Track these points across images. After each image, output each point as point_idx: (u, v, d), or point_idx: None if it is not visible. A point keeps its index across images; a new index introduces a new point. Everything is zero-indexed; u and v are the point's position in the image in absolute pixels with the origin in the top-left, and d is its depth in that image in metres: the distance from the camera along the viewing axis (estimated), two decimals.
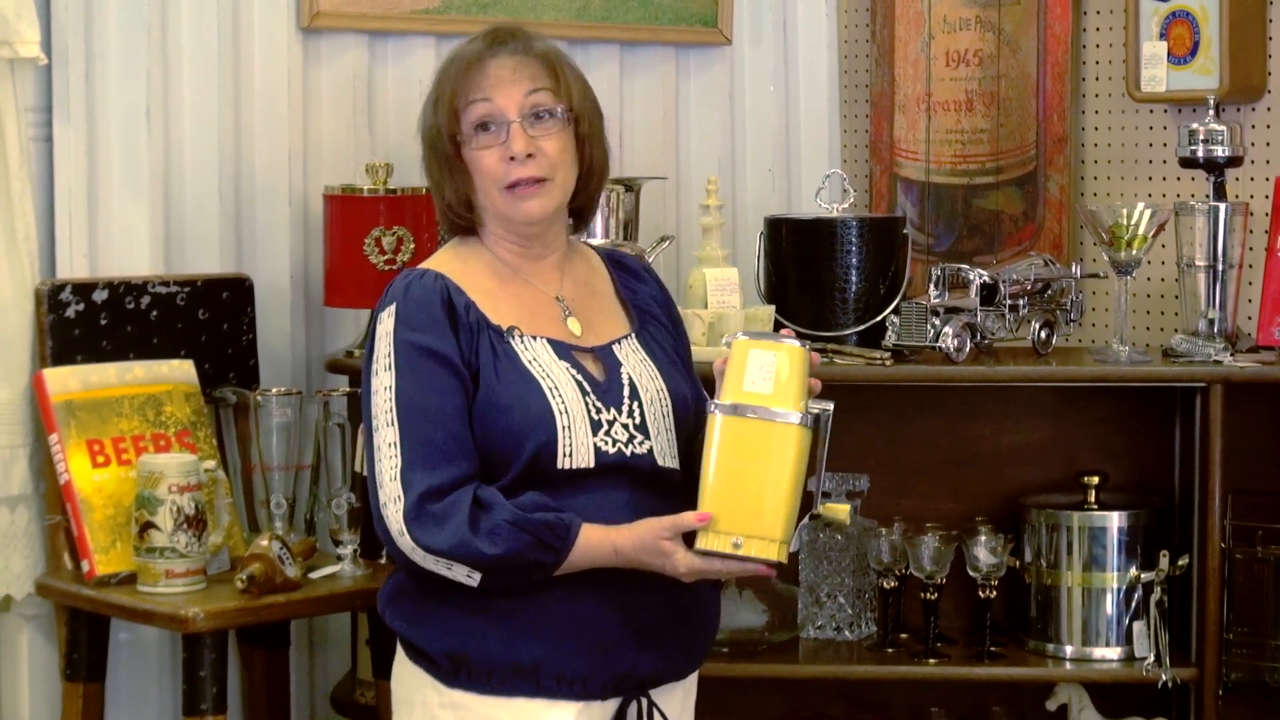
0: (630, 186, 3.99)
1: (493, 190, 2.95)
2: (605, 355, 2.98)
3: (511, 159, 2.93)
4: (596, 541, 2.83)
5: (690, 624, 2.97)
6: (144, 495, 3.52)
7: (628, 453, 2.90)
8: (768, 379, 2.83)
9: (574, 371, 2.92)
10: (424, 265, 3.00)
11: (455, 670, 2.88)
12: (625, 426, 2.91)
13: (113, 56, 3.87)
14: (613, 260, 3.15)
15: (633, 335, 3.04)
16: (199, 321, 3.91)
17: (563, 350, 2.94)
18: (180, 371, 3.82)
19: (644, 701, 2.93)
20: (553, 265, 3.04)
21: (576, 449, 2.86)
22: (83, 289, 3.77)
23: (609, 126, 4.38)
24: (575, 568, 2.83)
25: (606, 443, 2.89)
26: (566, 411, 2.87)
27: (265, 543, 3.54)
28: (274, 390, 3.85)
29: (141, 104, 3.90)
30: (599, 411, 2.90)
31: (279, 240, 4.11)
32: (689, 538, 2.81)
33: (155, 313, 3.86)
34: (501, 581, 2.82)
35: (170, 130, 3.96)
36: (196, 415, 3.80)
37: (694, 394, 3.04)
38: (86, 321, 3.76)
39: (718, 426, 2.82)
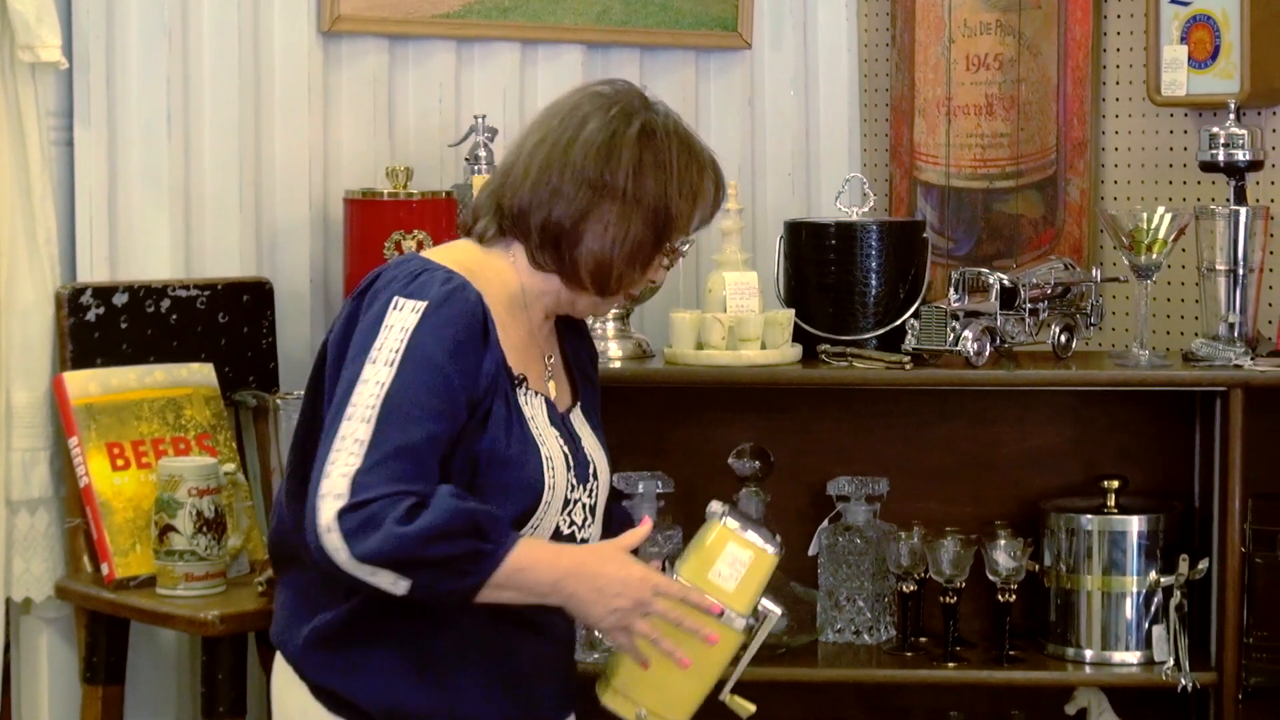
0: None
1: (620, 286, 2.85)
2: (567, 426, 2.88)
3: (652, 282, 2.92)
4: (542, 557, 2.67)
5: (573, 651, 2.98)
6: (164, 498, 3.53)
7: (578, 537, 2.82)
8: (735, 576, 2.80)
9: (562, 441, 2.81)
10: (451, 263, 2.76)
11: None
12: (584, 506, 2.84)
13: (133, 61, 3.88)
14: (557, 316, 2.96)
15: (577, 406, 2.93)
16: (219, 325, 3.92)
17: (554, 415, 2.83)
18: (200, 375, 3.83)
19: None
20: (551, 325, 2.93)
21: (544, 526, 2.77)
22: (103, 292, 3.78)
23: None
24: (509, 586, 2.63)
25: (564, 521, 2.80)
26: (553, 487, 2.76)
27: None
28: (294, 394, 3.85)
29: (162, 108, 3.91)
30: (572, 489, 2.81)
31: (299, 244, 4.11)
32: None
33: (175, 316, 3.86)
34: (430, 580, 2.58)
35: (190, 134, 3.97)
36: (216, 419, 3.81)
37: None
38: (107, 325, 3.77)
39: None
